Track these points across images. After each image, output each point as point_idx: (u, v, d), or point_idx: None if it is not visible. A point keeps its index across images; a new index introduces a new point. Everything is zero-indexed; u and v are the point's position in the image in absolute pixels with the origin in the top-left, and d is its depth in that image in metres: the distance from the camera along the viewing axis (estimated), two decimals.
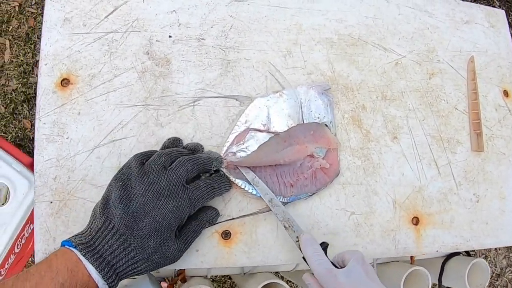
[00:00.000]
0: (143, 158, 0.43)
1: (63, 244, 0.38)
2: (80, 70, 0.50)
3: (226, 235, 0.47)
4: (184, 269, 0.54)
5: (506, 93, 0.63)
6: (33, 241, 0.94)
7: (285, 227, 0.45)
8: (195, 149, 0.47)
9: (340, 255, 0.42)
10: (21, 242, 0.88)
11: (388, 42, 0.59)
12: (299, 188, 0.48)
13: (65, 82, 0.50)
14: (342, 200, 0.51)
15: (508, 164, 0.60)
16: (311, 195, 0.49)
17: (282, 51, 0.54)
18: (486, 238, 0.56)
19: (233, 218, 0.47)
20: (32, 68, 1.12)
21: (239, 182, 0.47)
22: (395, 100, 0.57)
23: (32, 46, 1.14)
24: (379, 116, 0.55)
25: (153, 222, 0.38)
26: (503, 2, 1.54)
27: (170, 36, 0.52)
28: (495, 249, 1.38)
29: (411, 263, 0.62)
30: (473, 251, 0.63)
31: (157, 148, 0.48)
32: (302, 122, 0.49)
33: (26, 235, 0.89)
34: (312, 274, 0.40)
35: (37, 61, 1.13)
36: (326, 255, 0.41)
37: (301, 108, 0.50)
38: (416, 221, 0.53)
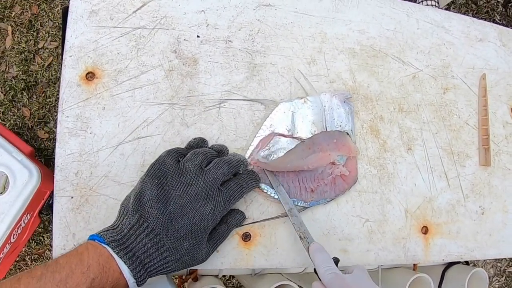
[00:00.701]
0: (177, 155, 0.44)
1: (93, 238, 0.39)
2: (106, 65, 0.51)
3: (246, 237, 0.49)
4: (197, 269, 0.56)
5: None
6: (28, 231, 0.94)
7: (300, 237, 0.48)
8: (221, 150, 0.49)
9: (346, 269, 0.45)
10: (17, 232, 0.88)
11: (406, 55, 0.62)
12: (319, 193, 0.51)
13: (90, 76, 0.51)
14: (357, 207, 0.54)
15: None
16: (330, 200, 0.52)
17: (306, 58, 0.56)
18: (489, 249, 0.60)
19: (254, 222, 0.49)
20: (34, 55, 1.11)
21: (261, 185, 0.49)
22: (411, 112, 0.60)
23: (35, 33, 1.13)
24: (396, 127, 0.58)
25: (190, 225, 0.40)
26: (503, 17, 1.60)
27: (198, 36, 0.54)
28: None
29: (413, 269, 0.66)
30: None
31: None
32: (325, 129, 0.52)
33: (23, 225, 0.90)
34: (321, 281, 0.43)
35: (39, 48, 1.12)
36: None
37: (325, 115, 0.52)
38: (425, 230, 0.56)
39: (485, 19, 1.68)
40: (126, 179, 0.48)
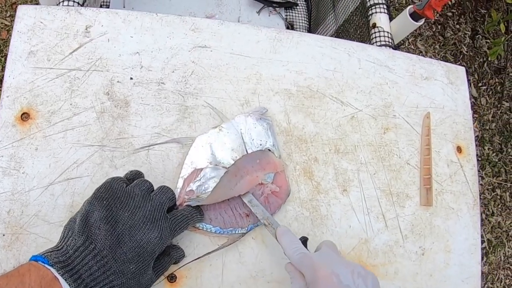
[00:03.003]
0: (122, 181, 0.49)
1: (36, 259, 0.40)
2: (40, 106, 0.56)
3: (172, 278, 0.53)
4: None
5: (459, 149, 0.72)
6: None
7: (265, 225, 0.54)
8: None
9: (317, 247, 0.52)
10: None
11: (346, 95, 0.67)
12: (255, 216, 0.56)
13: (25, 116, 0.56)
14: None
15: (456, 218, 0.68)
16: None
17: (240, 100, 0.61)
18: None
19: (195, 259, 0.53)
20: (1, 81, 1.16)
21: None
22: (348, 153, 0.64)
23: (3, 59, 1.19)
24: (331, 168, 0.63)
25: (137, 247, 0.43)
26: (470, 48, 1.68)
27: (131, 78, 0.59)
28: None
29: None
30: None
31: None
32: (245, 152, 0.59)
33: None
34: (291, 263, 0.49)
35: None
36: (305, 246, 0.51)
37: (243, 138, 0.59)
38: None
39: (452, 51, 1.77)
40: (55, 218, 0.53)
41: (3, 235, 0.52)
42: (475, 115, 1.72)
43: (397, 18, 0.91)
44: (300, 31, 1.36)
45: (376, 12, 0.92)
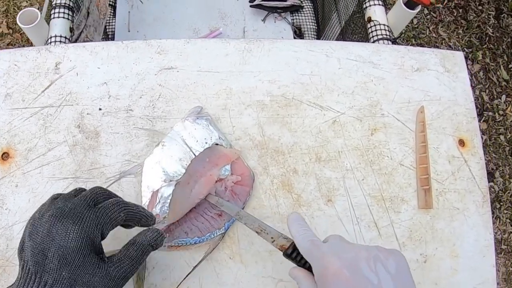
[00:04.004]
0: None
1: None
2: (18, 144, 0.60)
3: None
4: None
5: (462, 143, 0.67)
6: None
7: (257, 232, 0.54)
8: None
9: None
10: None
11: (325, 99, 0.65)
12: (227, 214, 0.57)
13: (5, 156, 0.60)
14: (269, 267, 0.57)
15: (462, 219, 0.64)
16: (242, 208, 0.59)
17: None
18: None
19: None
20: None
21: (172, 242, 0.56)
22: (331, 161, 0.62)
23: None
24: (312, 179, 0.61)
25: (58, 249, 0.41)
26: (496, 29, 1.56)
27: (100, 109, 0.61)
28: None
29: None
30: None
31: None
32: (194, 156, 0.59)
33: None
34: (296, 267, 0.47)
35: None
36: None
37: (187, 144, 0.59)
38: None
39: (476, 34, 1.65)
40: None
41: None
42: (508, 99, 1.59)
43: (393, 9, 0.88)
44: (308, 34, 1.34)
45: (370, 6, 0.89)
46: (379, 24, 0.88)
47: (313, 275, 0.45)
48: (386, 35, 0.89)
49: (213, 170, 0.59)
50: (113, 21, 1.26)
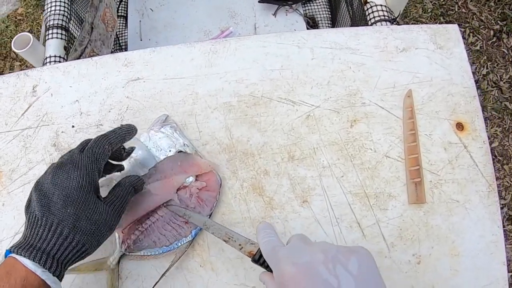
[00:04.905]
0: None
1: (5, 255, 0.45)
2: (3, 166, 0.64)
3: None
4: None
5: (460, 126, 0.60)
6: None
7: (225, 241, 0.53)
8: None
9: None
10: None
11: (297, 93, 0.62)
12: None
13: None
14: (241, 275, 0.56)
15: (464, 213, 0.57)
16: (209, 216, 0.58)
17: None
18: None
19: None
20: None
21: (141, 252, 0.57)
22: (305, 158, 0.59)
23: None
24: (285, 179, 0.58)
25: (62, 190, 0.46)
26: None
27: (73, 126, 0.63)
28: None
29: None
30: None
31: None
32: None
33: None
34: (265, 271, 0.46)
35: None
36: None
37: (151, 153, 0.59)
38: None
39: (510, 5, 1.46)
40: None
41: None
42: None
43: None
44: (323, 23, 1.29)
45: None
46: (376, 5, 0.82)
47: None
48: (384, 16, 0.82)
49: (179, 176, 0.58)
50: (125, 31, 1.30)
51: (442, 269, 0.56)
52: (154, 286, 0.55)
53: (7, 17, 1.78)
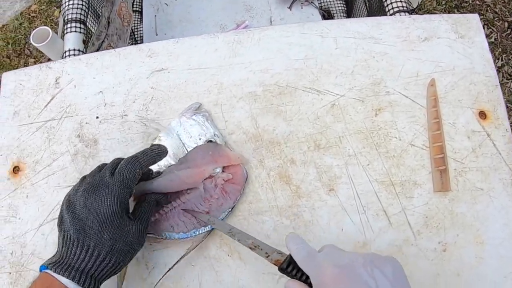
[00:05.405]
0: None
1: (40, 269, 0.49)
2: (27, 158, 0.64)
3: None
4: None
5: (483, 115, 0.61)
6: None
7: (251, 248, 0.53)
8: None
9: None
10: None
11: (322, 83, 0.62)
12: (215, 210, 0.58)
13: (16, 169, 0.64)
14: (269, 264, 0.56)
15: (488, 201, 0.58)
16: (231, 209, 0.58)
17: None
18: None
19: (171, 268, 0.56)
20: None
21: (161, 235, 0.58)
22: (331, 147, 0.60)
23: None
24: (311, 168, 0.59)
25: (96, 216, 0.48)
26: None
27: (97, 117, 0.63)
28: None
29: None
30: None
31: None
32: (186, 151, 0.60)
33: None
34: (291, 280, 0.47)
35: None
36: None
37: (181, 140, 0.60)
38: None
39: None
40: (47, 255, 0.60)
41: (10, 273, 0.60)
42: None
43: None
44: (338, 16, 1.30)
45: None
46: None
47: (308, 286, 0.44)
48: (403, 6, 0.83)
49: (209, 165, 0.58)
50: (141, 26, 1.30)
51: (467, 257, 0.57)
52: (165, 274, 0.56)
53: (21, 14, 1.78)
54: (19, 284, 0.59)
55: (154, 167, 0.59)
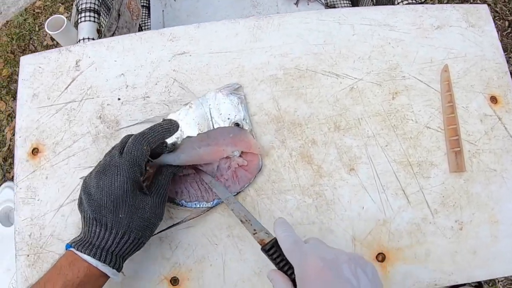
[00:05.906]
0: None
1: (66, 248, 0.50)
2: (46, 139, 0.64)
3: (174, 281, 0.56)
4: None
5: (494, 99, 0.64)
6: None
7: (241, 221, 0.54)
8: None
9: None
10: None
11: (341, 67, 0.64)
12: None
13: (35, 151, 0.64)
14: None
15: (501, 181, 0.61)
16: (236, 194, 0.59)
17: None
18: (474, 269, 0.58)
19: (171, 226, 0.58)
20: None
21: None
22: (351, 128, 0.61)
23: None
24: (332, 148, 0.60)
25: (109, 196, 0.49)
26: None
27: (119, 99, 0.64)
28: None
29: None
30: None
31: None
32: (212, 126, 0.61)
33: None
34: (274, 270, 0.48)
35: None
36: None
37: (210, 113, 0.61)
38: (382, 257, 0.57)
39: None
40: (67, 236, 0.60)
41: (28, 255, 0.60)
42: None
43: None
44: None
45: None
46: None
47: (289, 279, 0.45)
48: None
49: (229, 147, 0.59)
50: (148, 21, 1.31)
51: (483, 235, 0.59)
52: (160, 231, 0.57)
53: (25, 10, 1.77)
54: (37, 266, 0.59)
55: (171, 139, 0.59)
